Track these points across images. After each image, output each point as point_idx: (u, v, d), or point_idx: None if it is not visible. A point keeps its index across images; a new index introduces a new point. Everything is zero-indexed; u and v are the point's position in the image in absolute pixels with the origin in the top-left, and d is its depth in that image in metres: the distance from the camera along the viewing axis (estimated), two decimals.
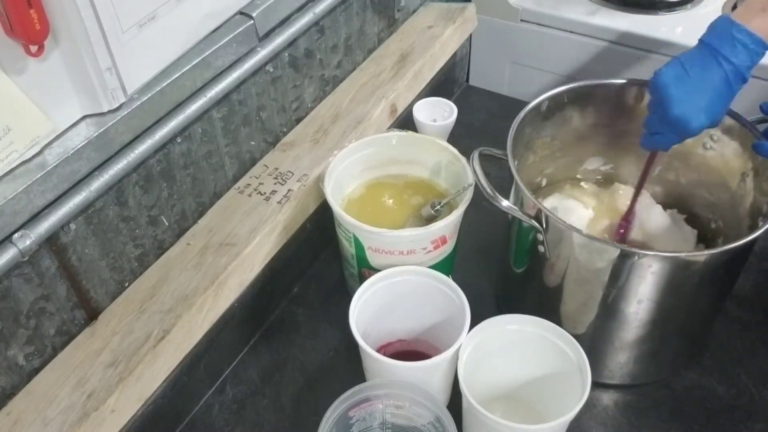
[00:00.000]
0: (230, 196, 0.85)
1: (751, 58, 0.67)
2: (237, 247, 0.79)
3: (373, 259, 0.81)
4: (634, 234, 0.86)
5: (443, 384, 0.74)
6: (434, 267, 0.80)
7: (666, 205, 0.88)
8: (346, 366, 0.82)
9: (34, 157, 0.59)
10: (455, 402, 0.73)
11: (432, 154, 0.88)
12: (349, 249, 0.82)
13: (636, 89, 0.82)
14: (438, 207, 0.83)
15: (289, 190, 0.85)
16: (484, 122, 1.17)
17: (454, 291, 0.75)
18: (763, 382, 0.80)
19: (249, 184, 0.86)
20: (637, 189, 0.84)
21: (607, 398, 0.80)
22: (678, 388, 0.81)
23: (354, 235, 0.80)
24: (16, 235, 0.58)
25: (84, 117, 0.63)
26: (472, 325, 0.71)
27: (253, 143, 0.87)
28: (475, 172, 0.74)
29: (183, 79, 0.69)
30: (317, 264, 0.96)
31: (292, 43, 0.86)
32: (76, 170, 0.61)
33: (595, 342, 0.76)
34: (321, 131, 0.93)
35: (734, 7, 1.05)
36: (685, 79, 0.68)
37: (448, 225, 0.78)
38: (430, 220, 0.84)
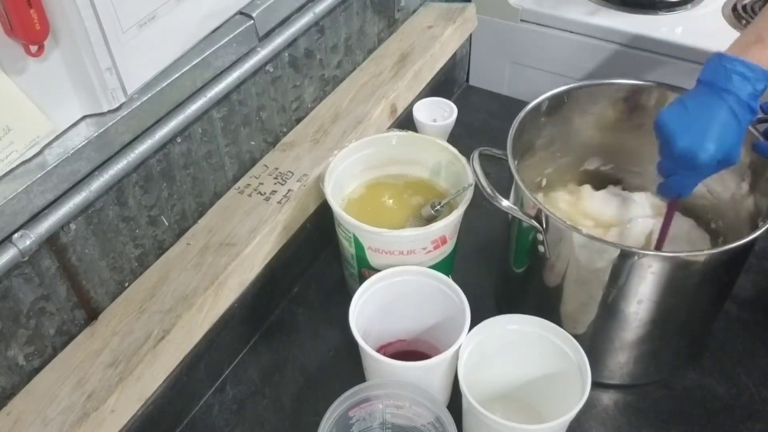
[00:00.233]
0: (230, 196, 0.85)
1: (753, 87, 0.66)
2: (237, 247, 0.79)
3: (373, 259, 0.81)
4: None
5: (443, 384, 0.74)
6: (434, 267, 0.80)
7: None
8: (346, 366, 0.82)
9: (34, 157, 0.59)
10: (455, 402, 0.73)
11: (432, 154, 0.88)
12: (349, 249, 0.82)
13: (636, 89, 0.82)
14: (438, 207, 0.83)
15: (289, 190, 0.85)
16: (484, 122, 1.17)
17: (454, 291, 0.75)
18: (763, 382, 0.81)
19: (249, 184, 0.86)
20: (660, 237, 0.80)
21: (607, 398, 0.80)
22: (678, 388, 0.81)
23: (354, 235, 0.80)
24: (16, 235, 0.58)
25: (84, 117, 0.63)
26: (472, 325, 0.71)
27: (253, 143, 0.87)
28: (475, 172, 0.74)
29: (183, 79, 0.69)
30: (317, 264, 0.96)
31: (292, 43, 0.86)
32: (76, 170, 0.61)
33: (595, 342, 0.76)
34: (321, 131, 0.93)
35: (734, 8, 1.05)
36: (685, 115, 0.68)
37: (448, 225, 0.78)
38: (430, 220, 0.84)
